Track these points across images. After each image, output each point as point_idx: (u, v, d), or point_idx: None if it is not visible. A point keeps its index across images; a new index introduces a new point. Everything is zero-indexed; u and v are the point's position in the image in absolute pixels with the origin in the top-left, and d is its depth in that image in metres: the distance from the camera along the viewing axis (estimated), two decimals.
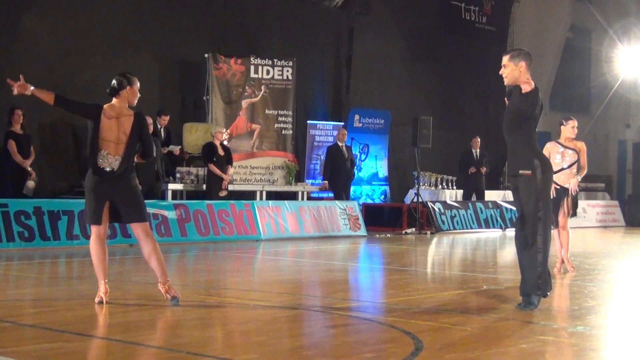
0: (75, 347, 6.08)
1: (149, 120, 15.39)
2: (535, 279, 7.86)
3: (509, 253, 15.69)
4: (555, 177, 10.35)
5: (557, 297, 9.11)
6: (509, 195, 22.31)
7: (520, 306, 7.91)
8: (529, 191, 7.95)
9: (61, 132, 16.74)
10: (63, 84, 16.47)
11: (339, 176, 18.77)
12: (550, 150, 11.38)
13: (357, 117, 21.00)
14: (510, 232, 20.15)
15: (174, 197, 16.29)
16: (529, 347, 6.25)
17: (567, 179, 11.35)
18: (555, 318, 7.55)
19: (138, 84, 8.18)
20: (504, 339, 6.66)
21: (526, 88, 8.20)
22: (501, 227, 20.69)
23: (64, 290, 9.52)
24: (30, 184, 14.49)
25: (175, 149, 17.08)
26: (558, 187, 11.18)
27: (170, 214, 15.07)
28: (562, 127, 11.62)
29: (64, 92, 16.74)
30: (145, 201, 14.72)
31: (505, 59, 8.37)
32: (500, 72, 8.42)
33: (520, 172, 8.04)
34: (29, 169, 14.54)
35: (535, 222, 7.88)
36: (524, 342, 6.43)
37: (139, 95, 8.18)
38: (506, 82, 8.38)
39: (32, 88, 7.84)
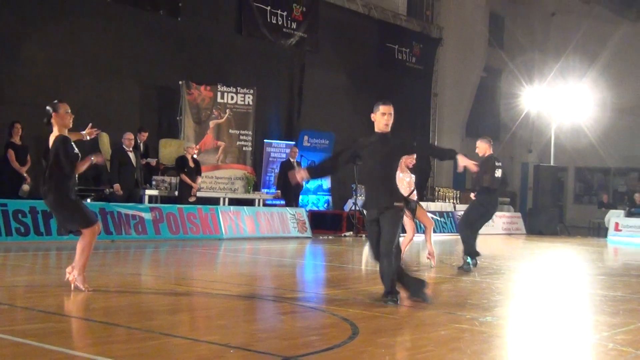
0: (63, 327, 6.00)
1: (130, 136, 15.38)
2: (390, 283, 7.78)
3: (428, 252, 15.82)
4: None
5: (469, 292, 9.18)
6: (430, 205, 22.55)
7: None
8: (395, 220, 7.78)
9: None
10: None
11: (290, 187, 18.75)
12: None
13: (306, 137, 21.05)
14: (433, 236, 20.29)
15: (150, 201, 16.16)
16: (447, 333, 6.28)
17: None
18: (468, 309, 7.58)
19: (65, 107, 8.10)
20: (426, 326, 6.68)
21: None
22: (423, 232, 20.76)
23: (55, 278, 9.35)
24: (25, 187, 14.30)
25: (152, 161, 17.02)
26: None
27: (147, 215, 14.98)
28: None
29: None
30: (126, 204, 14.68)
31: (391, 109, 8.25)
32: (387, 122, 8.29)
33: (396, 204, 7.85)
34: (25, 174, 14.35)
35: (395, 243, 7.78)
36: (443, 329, 6.45)
37: (70, 115, 8.07)
38: (388, 129, 8.24)
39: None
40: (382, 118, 8.07)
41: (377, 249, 7.79)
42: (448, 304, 8.10)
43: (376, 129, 8.12)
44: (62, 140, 7.80)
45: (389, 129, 8.06)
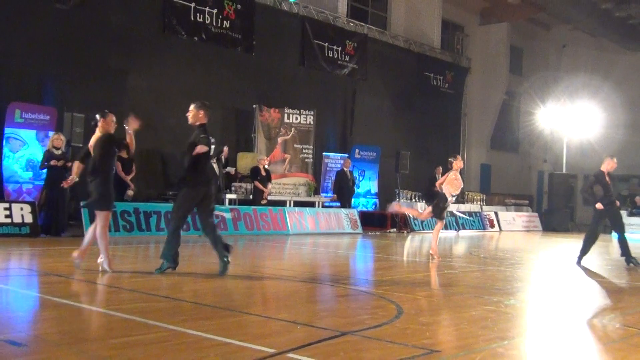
0: (162, 305, 6.07)
1: (225, 149, 15.62)
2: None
3: (461, 247, 15.66)
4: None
5: (495, 280, 9.04)
6: (461, 207, 22.32)
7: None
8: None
9: (152, 157, 16.80)
10: (156, 125, 16.56)
11: (344, 191, 18.83)
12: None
13: (357, 150, 21.00)
14: (463, 232, 20.10)
15: (230, 204, 16.28)
16: (477, 313, 6.20)
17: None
18: (494, 294, 7.48)
19: (111, 117, 8.35)
20: (459, 308, 6.60)
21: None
22: (455, 230, 20.58)
23: (154, 266, 9.48)
24: (130, 192, 14.51)
25: (232, 170, 17.13)
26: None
27: (227, 215, 15.09)
28: (454, 161, 11.27)
29: (157, 131, 16.98)
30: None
31: (192, 107, 8.36)
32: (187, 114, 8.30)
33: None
34: (129, 182, 14.57)
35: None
36: (473, 310, 6.37)
37: (114, 125, 8.34)
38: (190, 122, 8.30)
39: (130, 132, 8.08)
40: None
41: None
42: (477, 289, 7.99)
43: None
44: (107, 138, 8.20)
45: None
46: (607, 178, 11.61)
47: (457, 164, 11.13)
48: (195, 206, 8.17)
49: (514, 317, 6.21)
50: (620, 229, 11.58)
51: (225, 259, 8.01)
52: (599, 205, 11.42)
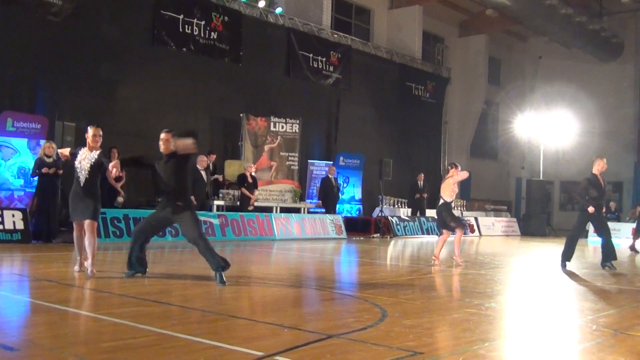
0: (152, 310, 6.02)
1: (202, 158, 15.45)
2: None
3: (442, 252, 15.66)
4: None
5: (476, 283, 9.06)
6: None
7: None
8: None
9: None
10: (146, 133, 16.44)
11: (329, 198, 18.83)
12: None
13: (342, 158, 21.02)
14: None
15: (218, 210, 16.23)
16: (459, 316, 6.20)
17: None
18: (475, 297, 7.49)
19: (90, 131, 8.30)
20: (441, 311, 6.61)
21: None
22: (437, 234, 20.58)
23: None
24: (120, 199, 14.44)
25: (219, 177, 17.09)
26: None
27: (215, 221, 15.04)
28: (454, 169, 11.44)
29: (146, 139, 16.93)
30: (198, 212, 14.72)
31: (167, 135, 8.19)
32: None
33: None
34: (119, 189, 14.49)
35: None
36: (456, 313, 6.38)
37: (97, 140, 8.32)
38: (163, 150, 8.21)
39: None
40: None
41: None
42: (459, 292, 8.00)
43: None
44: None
45: None
46: (600, 180, 11.48)
47: (451, 173, 11.29)
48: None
49: (494, 320, 6.22)
50: (606, 233, 11.49)
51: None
52: (591, 209, 11.22)
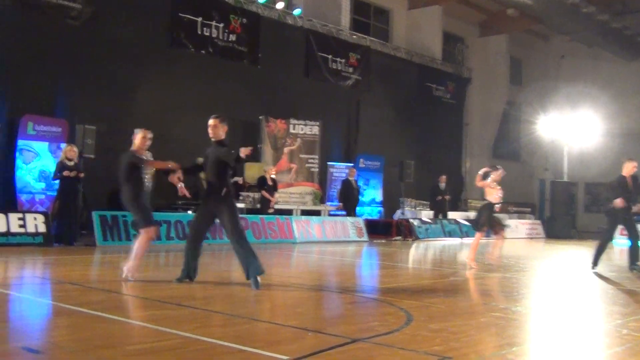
0: (175, 313, 6.02)
1: None
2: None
3: (465, 254, 15.57)
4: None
5: (500, 286, 8.99)
6: (464, 215, 22.25)
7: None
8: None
9: None
10: (164, 135, 16.48)
11: (349, 200, 18.79)
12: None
13: (362, 160, 20.99)
14: (467, 240, 20.04)
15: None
16: (486, 320, 6.15)
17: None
18: (501, 301, 7.43)
19: (139, 134, 8.46)
20: (468, 314, 6.55)
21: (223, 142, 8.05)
22: (460, 237, 20.49)
23: (164, 274, 9.47)
24: None
25: (239, 179, 17.08)
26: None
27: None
28: (493, 172, 11.40)
29: (164, 142, 16.99)
30: None
31: (215, 121, 8.15)
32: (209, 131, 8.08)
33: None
34: None
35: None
36: (482, 317, 6.32)
37: (140, 142, 8.43)
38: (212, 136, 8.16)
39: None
40: None
41: None
42: (484, 296, 7.93)
43: None
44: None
45: None
46: (630, 182, 11.29)
47: (492, 176, 11.24)
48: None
49: (521, 324, 6.15)
50: (634, 235, 11.33)
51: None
52: (620, 202, 10.96)
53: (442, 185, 21.06)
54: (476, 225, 11.52)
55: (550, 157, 30.08)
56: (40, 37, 14.50)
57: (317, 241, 16.60)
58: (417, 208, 21.39)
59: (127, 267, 7.94)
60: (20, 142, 13.57)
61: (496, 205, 11.34)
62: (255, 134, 18.64)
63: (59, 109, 14.86)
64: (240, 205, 16.49)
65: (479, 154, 27.62)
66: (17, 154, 13.55)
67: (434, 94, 25.43)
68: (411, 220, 19.67)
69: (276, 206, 16.92)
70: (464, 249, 16.79)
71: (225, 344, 4.73)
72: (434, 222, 20.38)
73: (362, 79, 22.16)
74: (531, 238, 24.05)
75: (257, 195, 16.79)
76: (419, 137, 24.55)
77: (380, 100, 22.97)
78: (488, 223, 11.38)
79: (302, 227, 16.64)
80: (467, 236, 20.64)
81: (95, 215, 12.92)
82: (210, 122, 8.06)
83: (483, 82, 27.88)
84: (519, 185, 29.55)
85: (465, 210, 23.74)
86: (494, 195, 11.28)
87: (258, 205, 16.66)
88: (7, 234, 11.92)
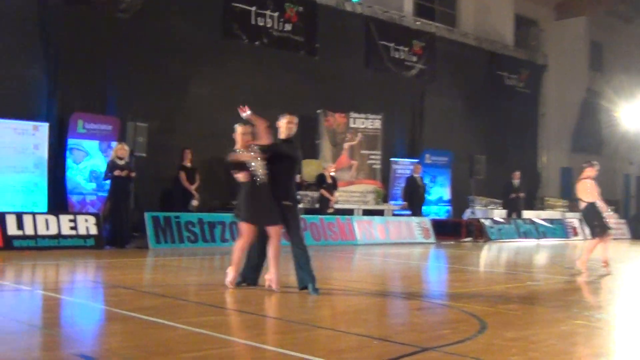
0: (232, 319, 6.10)
1: None
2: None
3: (542, 257, 15.31)
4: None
5: (582, 291, 8.78)
6: (541, 214, 21.86)
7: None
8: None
9: (216, 165, 16.97)
10: (217, 132, 16.74)
11: (414, 199, 18.67)
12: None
13: (427, 155, 20.82)
14: (544, 241, 19.65)
15: None
16: (567, 329, 6.02)
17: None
18: (583, 307, 7.25)
19: (238, 129, 8.53)
20: (546, 322, 6.42)
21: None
22: (536, 238, 20.11)
23: (220, 277, 9.58)
24: (195, 202, 14.76)
25: (297, 178, 17.15)
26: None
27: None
28: (589, 167, 11.18)
29: (217, 137, 17.22)
30: None
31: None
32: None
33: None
34: (194, 192, 14.81)
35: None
36: (563, 325, 6.18)
37: (246, 139, 8.44)
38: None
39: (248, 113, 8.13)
40: None
41: None
42: (564, 301, 7.76)
43: None
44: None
45: None
46: None
47: (587, 172, 11.04)
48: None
49: (606, 333, 6.00)
50: None
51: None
52: None
53: (516, 181, 20.73)
54: (593, 230, 11.22)
55: (635, 149, 29.21)
56: (90, 32, 14.86)
57: (380, 243, 16.55)
58: (489, 207, 21.10)
59: (269, 277, 7.84)
60: (71, 141, 13.95)
61: (599, 205, 11.06)
62: (313, 129, 18.70)
63: (110, 106, 15.22)
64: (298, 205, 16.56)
65: (557, 148, 27.07)
66: (67, 153, 13.94)
67: (505, 83, 25.03)
68: (482, 220, 19.41)
69: (336, 206, 16.93)
70: (541, 252, 16.50)
71: (285, 352, 4.76)
72: (507, 222, 20.08)
73: (427, 68, 21.96)
74: (615, 239, 23.36)
75: (315, 194, 16.84)
76: (490, 130, 24.19)
77: (447, 90, 22.72)
78: (600, 225, 11.10)
79: (364, 228, 16.61)
80: (544, 237, 20.27)
81: (147, 217, 13.20)
82: (294, 119, 8.22)
83: (560, 69, 27.27)
84: (600, 181, 28.80)
85: (542, 208, 23.28)
86: (594, 193, 11.02)
87: (317, 205, 16.71)
88: (58, 236, 12.29)
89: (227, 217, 14.38)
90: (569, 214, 23.07)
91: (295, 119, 8.28)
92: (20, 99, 14.00)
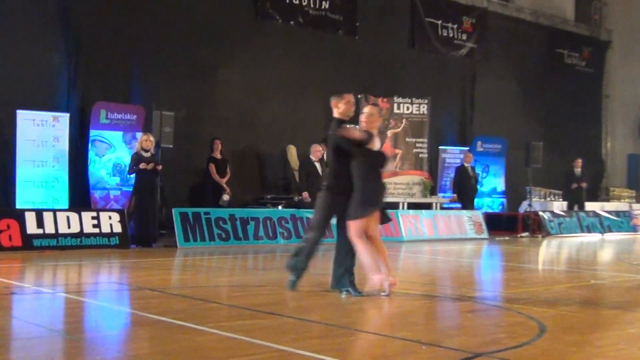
0: (267, 323, 6.11)
1: (317, 148, 15.54)
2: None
3: (608, 253, 15.10)
4: None
5: None
6: (605, 206, 21.54)
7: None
8: None
9: (248, 157, 17.08)
10: (249, 120, 16.88)
11: (465, 190, 18.56)
12: None
13: (479, 143, 20.64)
14: (609, 236, 19.37)
15: None
16: (636, 332, 5.94)
17: None
18: None
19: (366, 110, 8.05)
20: (612, 324, 6.34)
21: None
22: (600, 232, 19.82)
23: (254, 278, 9.64)
24: (226, 197, 14.86)
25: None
26: None
27: (333, 220, 15.08)
28: None
29: (249, 127, 17.26)
30: (313, 210, 14.81)
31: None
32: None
33: None
34: (225, 185, 14.90)
35: None
36: (631, 327, 6.11)
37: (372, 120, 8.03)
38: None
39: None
40: None
41: None
42: (632, 302, 7.63)
43: None
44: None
45: None
46: None
47: None
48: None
49: None
50: None
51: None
52: None
53: (578, 170, 20.48)
54: None
55: None
56: (112, 15, 15.01)
57: (428, 239, 16.47)
58: (548, 198, 20.88)
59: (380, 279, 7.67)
60: (93, 133, 14.12)
61: None
62: (353, 116, 18.62)
63: (134, 94, 15.38)
64: None
65: (623, 133, 26.64)
66: (90, 145, 14.10)
67: (565, 62, 24.77)
68: (540, 213, 19.22)
69: None
70: (606, 247, 16.28)
71: (327, 358, 4.75)
72: (569, 214, 19.84)
73: (478, 47, 21.79)
74: None
75: None
76: (549, 114, 23.91)
77: (501, 71, 22.51)
78: None
79: (410, 223, 16.55)
80: (610, 231, 19.98)
81: (175, 213, 13.31)
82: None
83: (626, 46, 26.78)
84: None
85: (607, 199, 22.94)
86: None
87: None
88: (81, 234, 12.45)
89: (260, 212, 14.45)
90: (637, 206, 22.70)
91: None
92: (38, 88, 14.23)
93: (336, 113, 8.09)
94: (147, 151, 13.29)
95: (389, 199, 17.68)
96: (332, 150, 7.84)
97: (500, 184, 21.13)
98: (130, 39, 15.24)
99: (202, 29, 16.40)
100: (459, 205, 18.60)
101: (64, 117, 13.82)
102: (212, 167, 14.93)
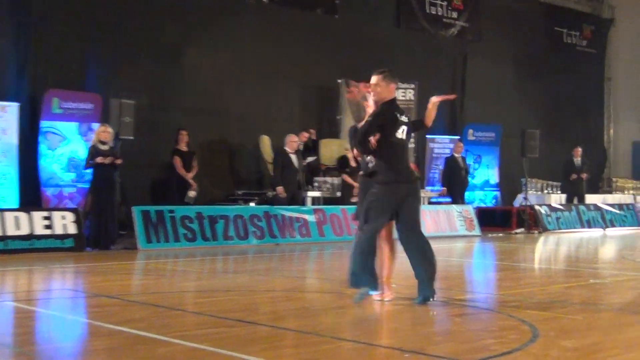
0: (235, 331, 6.13)
1: (292, 139, 15.54)
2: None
3: (610, 250, 15.24)
4: None
5: None
6: (608, 198, 21.71)
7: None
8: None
9: (217, 149, 17.06)
10: (220, 109, 16.87)
11: (455, 183, 18.64)
12: None
13: (471, 131, 20.77)
14: (611, 231, 19.54)
15: (313, 203, 16.34)
16: (637, 336, 6.01)
17: None
18: None
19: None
20: (611, 328, 6.41)
21: None
22: (602, 227, 20.01)
23: (222, 282, 9.65)
24: (192, 193, 14.84)
25: (313, 161, 17.17)
26: None
27: (310, 218, 15.18)
28: None
29: (218, 115, 17.22)
30: (289, 207, 14.86)
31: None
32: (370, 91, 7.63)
33: None
34: (191, 180, 14.87)
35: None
36: (632, 331, 6.19)
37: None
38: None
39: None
40: None
41: None
42: (635, 303, 7.73)
43: None
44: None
45: None
46: None
47: None
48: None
49: None
50: None
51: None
52: None
53: (578, 160, 20.64)
54: None
55: None
56: None
57: None
58: (545, 191, 21.02)
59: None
60: (44, 124, 14.03)
61: None
62: (333, 103, 18.70)
63: (90, 81, 15.29)
64: (315, 194, 16.62)
65: (627, 118, 26.84)
66: (41, 138, 14.02)
67: (565, 42, 24.95)
68: (537, 207, 19.34)
69: None
70: (607, 243, 16.43)
71: None
72: (567, 208, 19.99)
73: (470, 26, 21.88)
74: None
75: (336, 180, 16.83)
76: (547, 99, 24.07)
77: (495, 52, 22.61)
78: None
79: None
80: (612, 226, 20.16)
81: (136, 212, 13.28)
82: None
83: (631, 24, 26.94)
84: None
85: (609, 191, 23.11)
86: None
87: (338, 194, 16.70)
88: (31, 237, 12.38)
89: (230, 209, 14.44)
90: None
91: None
92: None
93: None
94: (104, 144, 13.24)
95: None
96: None
97: (493, 175, 21.27)
98: (86, 19, 15.16)
99: (166, 8, 16.33)
100: (448, 199, 18.70)
101: (12, 107, 13.73)
102: (177, 161, 14.89)
